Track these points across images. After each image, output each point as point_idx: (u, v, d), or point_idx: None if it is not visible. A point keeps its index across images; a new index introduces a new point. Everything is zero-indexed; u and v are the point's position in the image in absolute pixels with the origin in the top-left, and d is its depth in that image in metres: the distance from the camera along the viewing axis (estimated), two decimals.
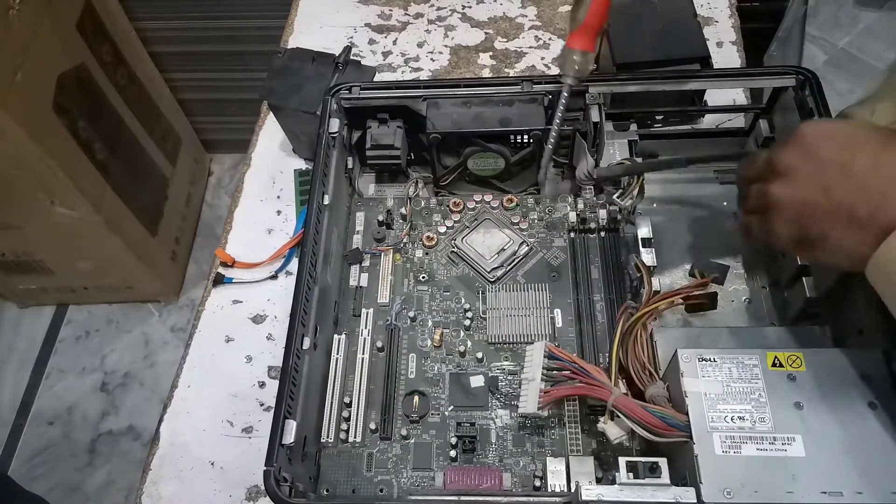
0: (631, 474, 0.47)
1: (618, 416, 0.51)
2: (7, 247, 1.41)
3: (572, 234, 0.69)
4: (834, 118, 0.44)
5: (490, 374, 0.62)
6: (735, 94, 0.80)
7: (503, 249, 0.69)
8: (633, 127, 0.67)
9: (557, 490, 0.53)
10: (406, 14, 0.96)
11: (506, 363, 0.63)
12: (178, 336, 1.61)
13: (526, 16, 0.94)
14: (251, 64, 1.48)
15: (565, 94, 0.60)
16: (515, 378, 0.61)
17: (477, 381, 0.61)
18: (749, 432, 0.46)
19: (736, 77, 0.67)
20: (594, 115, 0.65)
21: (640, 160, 0.64)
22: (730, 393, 0.47)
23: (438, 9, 0.96)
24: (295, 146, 0.83)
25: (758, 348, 0.49)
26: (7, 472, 1.42)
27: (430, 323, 0.65)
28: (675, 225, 0.68)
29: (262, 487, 0.49)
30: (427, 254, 0.70)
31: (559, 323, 0.64)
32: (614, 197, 0.66)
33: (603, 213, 0.68)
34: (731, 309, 0.63)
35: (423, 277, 0.68)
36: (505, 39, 0.92)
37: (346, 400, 0.61)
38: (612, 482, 0.47)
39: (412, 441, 0.59)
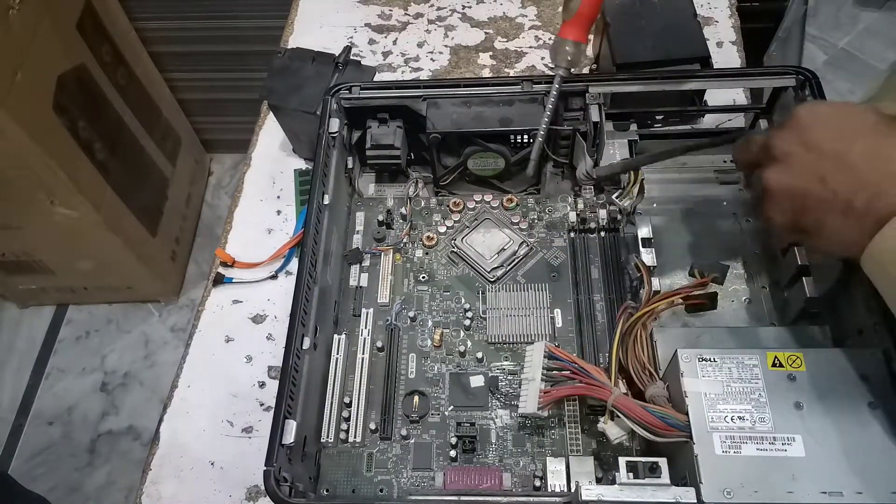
0: (631, 474, 0.47)
1: (618, 416, 0.51)
2: (7, 247, 1.41)
3: (572, 234, 0.69)
4: (832, 102, 0.44)
5: (490, 374, 0.62)
6: (735, 94, 0.80)
7: (503, 249, 0.69)
8: (633, 127, 0.67)
9: (557, 490, 0.53)
10: (406, 14, 0.96)
11: (506, 363, 0.63)
12: (178, 336, 1.61)
13: (526, 16, 0.94)
14: (251, 64, 1.48)
15: (556, 86, 0.60)
16: (515, 378, 0.61)
17: (477, 381, 0.61)
18: (749, 432, 0.46)
19: (736, 77, 0.67)
20: (594, 115, 0.65)
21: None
22: (730, 393, 0.47)
23: (438, 9, 0.96)
24: (295, 146, 0.83)
25: (758, 348, 0.49)
26: (7, 471, 1.42)
27: (430, 323, 0.65)
28: (675, 225, 0.68)
29: (262, 487, 0.49)
30: (427, 254, 0.70)
31: (559, 323, 0.64)
32: (614, 197, 0.66)
33: (603, 213, 0.68)
34: (731, 309, 0.63)
35: (423, 277, 0.68)
36: (505, 39, 0.92)
37: (346, 400, 0.61)
38: (612, 482, 0.47)
39: (412, 441, 0.59)
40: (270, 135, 0.85)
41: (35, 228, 1.35)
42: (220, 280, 0.74)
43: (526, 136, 0.66)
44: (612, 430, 0.52)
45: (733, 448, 0.45)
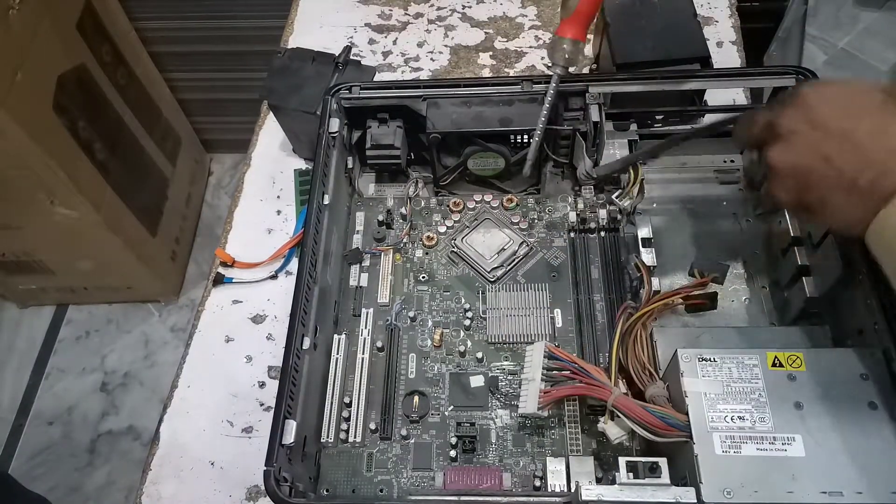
0: (631, 474, 0.47)
1: (618, 416, 0.51)
2: (7, 247, 1.41)
3: (572, 234, 0.69)
4: (837, 80, 0.44)
5: (490, 374, 0.62)
6: (735, 94, 0.80)
7: (503, 249, 0.69)
8: (633, 127, 0.67)
9: (557, 490, 0.53)
10: (406, 14, 0.96)
11: (506, 363, 0.63)
12: (178, 336, 1.61)
13: (526, 16, 0.94)
14: (251, 64, 1.48)
15: (554, 85, 0.60)
16: (515, 378, 0.61)
17: (477, 381, 0.61)
18: (749, 432, 0.46)
19: (736, 77, 0.67)
20: (594, 115, 0.65)
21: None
22: (730, 393, 0.47)
23: (438, 9, 0.96)
24: (295, 146, 0.83)
25: (758, 348, 0.49)
26: (7, 471, 1.42)
27: (430, 323, 0.65)
28: (675, 225, 0.68)
29: (262, 487, 0.49)
30: (427, 254, 0.70)
31: (559, 323, 0.64)
32: (614, 197, 0.66)
33: (603, 213, 0.68)
34: (731, 309, 0.63)
35: (423, 277, 0.68)
36: (505, 39, 0.92)
37: (346, 400, 0.61)
38: (612, 482, 0.47)
39: (412, 441, 0.59)
40: (270, 135, 0.85)
41: (35, 228, 1.34)
42: (220, 280, 0.74)
43: (526, 136, 0.66)
44: (612, 430, 0.52)
45: (733, 448, 0.45)
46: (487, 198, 0.72)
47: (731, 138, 0.69)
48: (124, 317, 1.65)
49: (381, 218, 0.71)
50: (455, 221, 0.71)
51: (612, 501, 0.45)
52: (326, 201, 0.64)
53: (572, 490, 0.51)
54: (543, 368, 0.55)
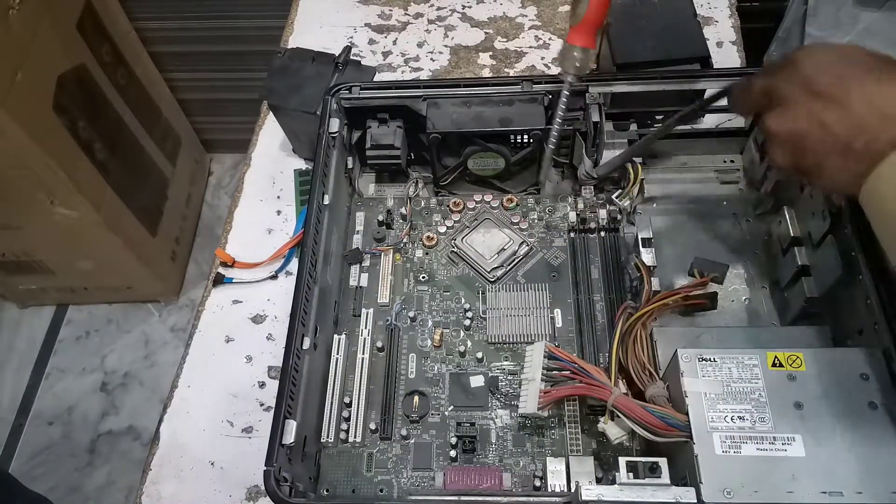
0: (631, 474, 0.47)
1: (618, 416, 0.51)
2: (7, 247, 1.41)
3: (572, 234, 0.69)
4: (831, 45, 0.45)
5: (490, 374, 0.62)
6: None
7: (503, 249, 0.69)
8: (633, 127, 0.67)
9: (557, 490, 0.53)
10: (406, 14, 0.96)
11: (506, 363, 0.63)
12: (178, 336, 1.61)
13: (526, 16, 0.94)
14: (251, 64, 1.48)
15: (566, 92, 0.60)
16: (515, 378, 0.61)
17: (477, 381, 0.61)
18: (749, 432, 0.46)
19: (736, 77, 0.67)
20: (594, 115, 0.65)
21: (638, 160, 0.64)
22: (730, 393, 0.47)
23: (438, 9, 0.96)
24: (295, 146, 0.83)
25: (758, 348, 0.49)
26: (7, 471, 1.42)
27: (430, 323, 0.65)
28: (675, 225, 0.68)
29: (262, 487, 0.49)
30: (427, 254, 0.70)
31: (559, 323, 0.64)
32: (614, 197, 0.66)
33: (603, 213, 0.68)
34: (731, 309, 0.63)
35: (423, 277, 0.68)
36: (505, 39, 0.92)
37: (346, 400, 0.61)
38: (612, 482, 0.47)
39: (412, 441, 0.59)
40: (270, 135, 0.85)
41: (35, 228, 1.34)
42: (220, 280, 0.74)
43: (526, 137, 0.66)
44: (612, 430, 0.52)
45: (733, 448, 0.45)
46: (487, 198, 0.72)
47: (730, 137, 0.69)
48: (124, 317, 1.65)
49: (381, 218, 0.71)
50: (455, 221, 0.72)
51: (612, 501, 0.45)
52: (326, 201, 0.64)
53: (572, 490, 0.51)
54: (543, 368, 0.55)
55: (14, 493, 0.91)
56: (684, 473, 0.47)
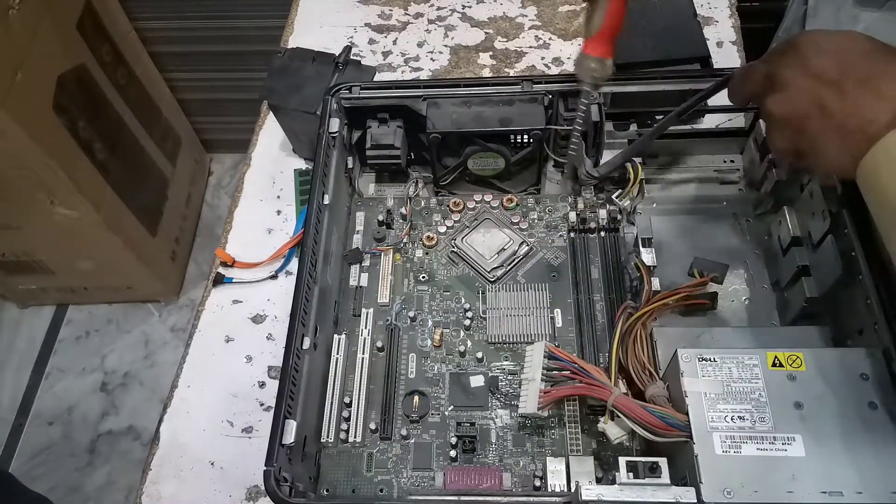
0: (631, 474, 0.47)
1: (618, 416, 0.51)
2: (7, 247, 1.41)
3: (572, 234, 0.69)
4: (830, 31, 0.46)
5: (490, 374, 0.62)
6: None
7: (503, 249, 0.69)
8: (633, 127, 0.67)
9: (557, 490, 0.53)
10: (406, 14, 0.96)
11: (506, 363, 0.63)
12: (178, 336, 1.61)
13: (526, 16, 0.94)
14: (251, 64, 1.48)
15: (585, 101, 0.60)
16: (515, 378, 0.61)
17: (477, 381, 0.61)
18: (749, 432, 0.46)
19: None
20: (594, 115, 0.65)
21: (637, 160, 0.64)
22: (730, 393, 0.47)
23: (438, 9, 0.96)
24: (295, 146, 0.83)
25: (758, 348, 0.49)
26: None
27: (430, 323, 0.65)
28: (675, 225, 0.68)
29: (262, 487, 0.49)
30: (427, 254, 0.70)
31: (559, 323, 0.64)
32: (614, 197, 0.66)
33: (603, 213, 0.68)
34: (731, 309, 0.63)
35: (423, 277, 0.68)
36: (505, 39, 0.92)
37: (346, 400, 0.61)
38: (612, 482, 0.47)
39: (412, 441, 0.59)
40: (270, 135, 0.85)
41: (35, 228, 1.34)
42: (220, 280, 0.74)
43: (526, 136, 0.66)
44: (612, 430, 0.52)
45: (733, 448, 0.45)
46: (487, 198, 0.72)
47: (730, 137, 0.69)
48: (124, 317, 1.65)
49: (381, 218, 0.71)
50: (455, 221, 0.71)
51: (612, 501, 0.45)
52: (326, 201, 0.64)
53: (572, 490, 0.51)
54: (543, 368, 0.55)
55: (14, 493, 0.91)
56: (684, 473, 0.47)
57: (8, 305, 1.67)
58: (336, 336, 0.63)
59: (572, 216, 0.69)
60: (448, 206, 0.72)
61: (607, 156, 0.66)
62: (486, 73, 0.89)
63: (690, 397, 0.48)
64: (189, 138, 1.72)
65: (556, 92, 0.65)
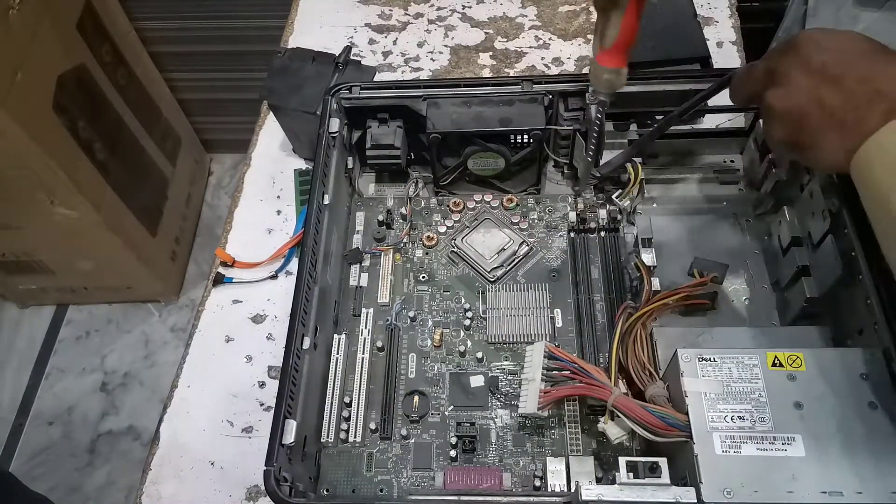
0: (631, 474, 0.47)
1: (618, 416, 0.51)
2: (7, 247, 1.41)
3: (572, 234, 0.69)
4: (831, 30, 0.48)
5: (490, 374, 0.62)
6: None
7: (503, 249, 0.69)
8: (633, 127, 0.67)
9: (557, 490, 0.53)
10: (406, 14, 0.96)
11: (506, 363, 0.63)
12: (178, 336, 1.61)
13: (526, 16, 0.94)
14: (251, 64, 1.48)
15: (602, 109, 0.60)
16: (515, 378, 0.61)
17: (477, 381, 0.61)
18: (749, 432, 0.46)
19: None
20: (594, 115, 0.65)
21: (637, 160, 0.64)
22: (730, 393, 0.47)
23: (438, 9, 0.96)
24: (295, 146, 0.83)
25: (758, 348, 0.49)
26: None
27: (430, 323, 0.65)
28: (675, 225, 0.68)
29: (262, 487, 0.49)
30: (427, 254, 0.70)
31: (559, 323, 0.64)
32: (614, 197, 0.66)
33: (603, 213, 0.68)
34: (731, 309, 0.63)
35: (423, 277, 0.68)
36: (505, 39, 0.92)
37: (346, 400, 0.61)
38: (612, 482, 0.47)
39: (412, 441, 0.59)
40: (270, 135, 0.85)
41: (35, 228, 1.35)
42: (220, 280, 0.74)
43: (526, 137, 0.66)
44: (612, 430, 0.52)
45: (733, 448, 0.45)
46: (487, 198, 0.72)
47: (730, 137, 0.69)
48: (124, 317, 1.65)
49: (381, 218, 0.71)
50: (455, 221, 0.72)
51: (612, 501, 0.45)
52: (326, 201, 0.64)
53: (572, 490, 0.51)
54: (543, 368, 0.55)
55: (14, 493, 0.91)
56: (684, 473, 0.47)
57: (8, 305, 1.67)
58: (336, 336, 0.63)
59: (572, 216, 0.69)
60: (448, 206, 0.72)
61: (607, 156, 0.66)
62: (486, 73, 0.89)
63: (690, 397, 0.48)
64: (189, 138, 1.72)
65: (556, 92, 0.65)
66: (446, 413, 0.60)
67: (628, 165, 0.65)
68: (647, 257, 0.58)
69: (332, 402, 0.60)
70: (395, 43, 0.93)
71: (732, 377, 0.48)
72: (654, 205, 0.69)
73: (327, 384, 0.60)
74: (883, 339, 0.49)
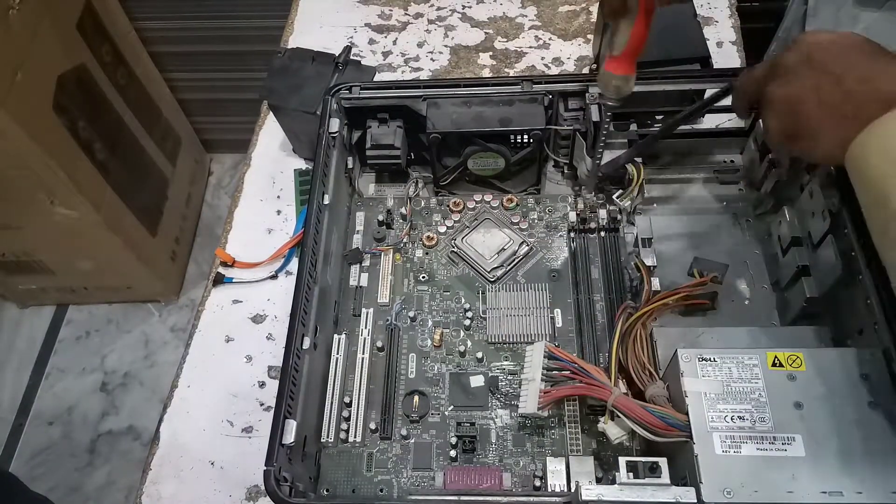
0: (631, 474, 0.47)
1: (618, 416, 0.51)
2: (7, 247, 1.41)
3: (572, 234, 0.69)
4: (834, 31, 0.49)
5: (490, 374, 0.62)
6: None
7: (503, 249, 0.69)
8: (633, 127, 0.67)
9: (557, 490, 0.53)
10: (406, 14, 0.96)
11: (506, 363, 0.63)
12: (178, 336, 1.61)
13: (526, 16, 0.94)
14: (251, 64, 1.48)
15: (609, 115, 0.60)
16: (515, 378, 0.61)
17: (477, 381, 0.61)
18: (749, 432, 0.46)
19: (736, 77, 0.67)
20: (594, 115, 0.65)
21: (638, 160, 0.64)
22: (730, 393, 0.47)
23: (438, 9, 0.96)
24: (295, 146, 0.83)
25: (758, 348, 0.49)
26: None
27: (430, 323, 0.65)
28: (675, 225, 0.68)
29: (262, 487, 0.49)
30: (427, 254, 0.70)
31: (559, 323, 0.64)
32: (614, 197, 0.66)
33: (603, 213, 0.68)
34: (731, 309, 0.63)
35: (423, 277, 0.68)
36: (505, 39, 0.92)
37: (346, 400, 0.61)
38: (612, 482, 0.47)
39: (412, 441, 0.59)
40: (270, 135, 0.85)
41: (35, 228, 1.35)
42: (220, 280, 0.74)
43: (526, 137, 0.66)
44: (612, 430, 0.52)
45: (733, 448, 0.45)
46: (487, 198, 0.72)
47: (730, 137, 0.69)
48: (124, 317, 1.65)
49: (381, 218, 0.71)
50: (455, 221, 0.72)
51: (612, 501, 0.45)
52: (326, 201, 0.64)
53: (572, 490, 0.51)
54: (543, 368, 0.55)
55: (15, 493, 0.91)
56: (684, 473, 0.47)
57: (8, 305, 1.67)
58: (336, 336, 0.63)
59: (572, 216, 0.69)
60: (448, 206, 0.72)
61: (607, 156, 0.66)
62: (486, 73, 0.89)
63: (690, 397, 0.48)
64: (189, 138, 1.72)
65: (556, 92, 0.65)
66: (446, 413, 0.60)
67: (630, 165, 0.65)
68: (648, 257, 0.58)
69: (332, 402, 0.60)
70: (394, 43, 0.93)
71: (732, 377, 0.48)
72: (654, 205, 0.69)
73: (327, 384, 0.60)
74: (883, 339, 0.49)
